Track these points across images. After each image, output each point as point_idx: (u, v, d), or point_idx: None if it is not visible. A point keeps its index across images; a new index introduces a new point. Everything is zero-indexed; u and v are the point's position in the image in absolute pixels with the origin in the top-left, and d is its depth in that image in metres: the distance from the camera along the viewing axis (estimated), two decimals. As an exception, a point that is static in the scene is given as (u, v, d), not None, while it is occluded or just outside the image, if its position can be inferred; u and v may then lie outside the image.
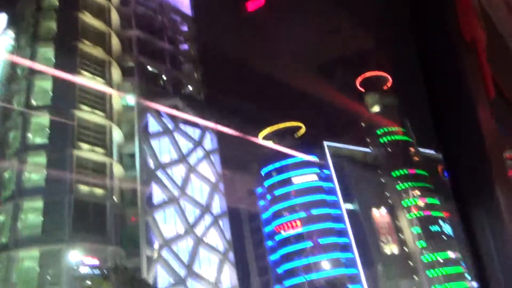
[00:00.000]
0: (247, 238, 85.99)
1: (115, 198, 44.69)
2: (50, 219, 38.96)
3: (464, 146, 1.96)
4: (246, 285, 66.20)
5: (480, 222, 1.89)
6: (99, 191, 42.81)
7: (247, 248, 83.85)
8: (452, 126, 1.99)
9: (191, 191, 52.06)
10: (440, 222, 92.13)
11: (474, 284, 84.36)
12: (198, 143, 55.55)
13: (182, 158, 52.62)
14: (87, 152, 42.86)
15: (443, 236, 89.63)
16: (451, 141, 2.00)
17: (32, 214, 40.01)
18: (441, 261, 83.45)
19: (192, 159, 53.74)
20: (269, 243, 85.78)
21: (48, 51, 46.21)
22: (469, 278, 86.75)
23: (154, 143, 50.49)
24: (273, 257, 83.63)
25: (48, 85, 44.46)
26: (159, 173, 49.32)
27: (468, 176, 1.94)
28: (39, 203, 39.51)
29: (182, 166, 52.59)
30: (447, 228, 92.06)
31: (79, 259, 37.60)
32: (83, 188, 41.56)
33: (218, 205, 54.62)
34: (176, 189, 50.05)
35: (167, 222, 48.32)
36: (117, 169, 45.90)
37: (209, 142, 57.74)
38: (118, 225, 43.91)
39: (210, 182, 54.66)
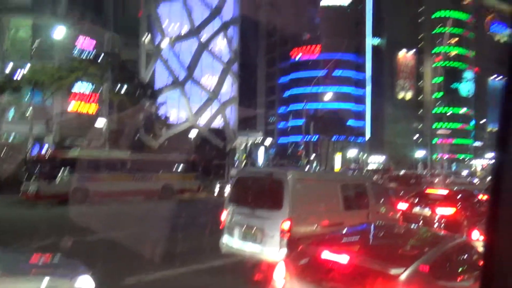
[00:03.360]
0: (260, 55, 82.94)
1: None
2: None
3: None
4: (248, 101, 66.17)
5: None
6: (96, -33, 38.16)
7: (258, 65, 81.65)
8: None
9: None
10: (466, 77, 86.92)
11: (476, 143, 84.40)
12: None
13: None
14: None
15: (462, 92, 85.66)
16: None
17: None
18: (448, 115, 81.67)
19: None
20: (282, 64, 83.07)
21: None
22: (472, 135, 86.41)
23: None
24: (283, 79, 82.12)
25: None
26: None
27: None
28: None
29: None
30: (470, 85, 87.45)
31: (74, 36, 35.74)
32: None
33: (230, 9, 49.76)
34: (185, -18, 44.83)
35: (172, 20, 44.67)
36: None
37: None
38: (118, 13, 40.75)
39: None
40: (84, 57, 33.25)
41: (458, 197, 11.56)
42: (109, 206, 18.83)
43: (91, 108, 35.62)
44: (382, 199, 8.78)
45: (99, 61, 32.36)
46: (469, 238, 7.54)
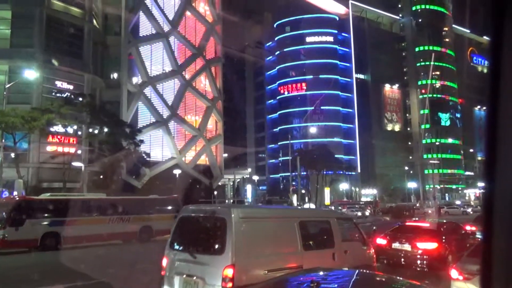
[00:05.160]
0: (249, 93, 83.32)
1: (95, 22, 40.32)
2: (20, 33, 35.36)
3: None
4: (237, 137, 65.52)
5: None
6: (76, 10, 38.12)
7: (247, 103, 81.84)
8: None
9: (184, 28, 47.03)
10: (452, 108, 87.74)
11: (468, 173, 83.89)
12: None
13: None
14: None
15: (450, 122, 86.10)
16: None
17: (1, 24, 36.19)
18: (438, 144, 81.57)
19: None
20: (270, 101, 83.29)
21: None
22: (463, 165, 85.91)
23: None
24: (272, 116, 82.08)
25: None
26: (148, 2, 43.78)
27: None
28: (7, 13, 35.32)
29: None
30: (456, 116, 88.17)
31: (52, 79, 35.27)
32: (57, 4, 36.79)
33: (213, 49, 50.07)
34: (167, 23, 45.00)
35: (153, 59, 44.58)
36: (99, -12, 40.41)
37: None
38: (98, 54, 40.55)
39: (207, 22, 49.11)
40: (59, 99, 32.36)
41: (442, 230, 10.55)
42: (79, 251, 17.83)
43: (69, 150, 34.41)
44: (352, 236, 7.75)
45: (74, 102, 31.63)
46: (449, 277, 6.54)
